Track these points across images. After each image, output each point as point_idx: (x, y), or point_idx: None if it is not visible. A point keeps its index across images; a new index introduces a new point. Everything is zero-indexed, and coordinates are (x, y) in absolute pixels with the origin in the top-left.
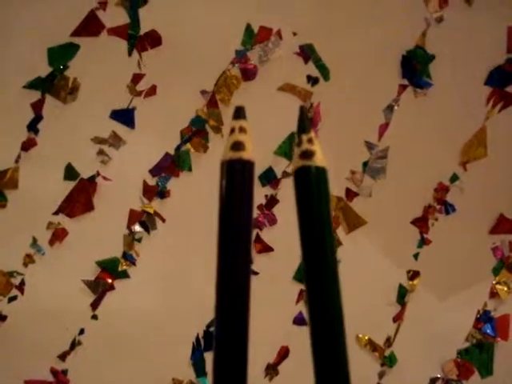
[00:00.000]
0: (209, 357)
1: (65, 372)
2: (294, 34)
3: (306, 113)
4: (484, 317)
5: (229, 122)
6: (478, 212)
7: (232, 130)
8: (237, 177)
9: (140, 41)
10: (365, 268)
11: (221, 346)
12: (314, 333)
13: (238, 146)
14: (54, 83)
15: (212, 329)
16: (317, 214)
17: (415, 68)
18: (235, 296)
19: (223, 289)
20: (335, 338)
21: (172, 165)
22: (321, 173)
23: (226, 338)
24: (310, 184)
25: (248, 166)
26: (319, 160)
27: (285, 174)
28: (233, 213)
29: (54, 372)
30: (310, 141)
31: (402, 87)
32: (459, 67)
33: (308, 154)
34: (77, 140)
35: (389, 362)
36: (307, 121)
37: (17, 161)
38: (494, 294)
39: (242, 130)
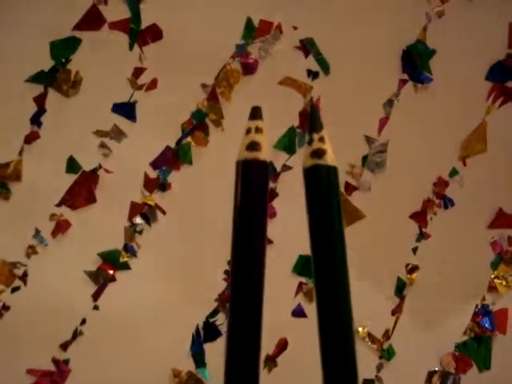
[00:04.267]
0: (208, 348)
1: (66, 362)
2: (295, 28)
3: (317, 111)
4: (482, 311)
5: (229, 115)
6: (477, 206)
7: (248, 131)
8: (252, 177)
9: (141, 35)
10: (364, 262)
11: (234, 341)
12: (322, 330)
13: (254, 146)
14: (57, 77)
15: (211, 320)
16: (327, 213)
17: (416, 63)
18: (250, 297)
19: (238, 290)
20: (344, 335)
21: (173, 158)
22: (332, 172)
23: (239, 337)
24: (321, 183)
25: (263, 166)
26: (330, 159)
27: (284, 168)
28: (248, 212)
29: (55, 361)
30: (321, 139)
31: (403, 82)
32: (460, 62)
33: (319, 153)
34: (79, 133)
35: (387, 354)
36: (319, 119)
37: (20, 153)
38: (492, 288)
39: (258, 130)
